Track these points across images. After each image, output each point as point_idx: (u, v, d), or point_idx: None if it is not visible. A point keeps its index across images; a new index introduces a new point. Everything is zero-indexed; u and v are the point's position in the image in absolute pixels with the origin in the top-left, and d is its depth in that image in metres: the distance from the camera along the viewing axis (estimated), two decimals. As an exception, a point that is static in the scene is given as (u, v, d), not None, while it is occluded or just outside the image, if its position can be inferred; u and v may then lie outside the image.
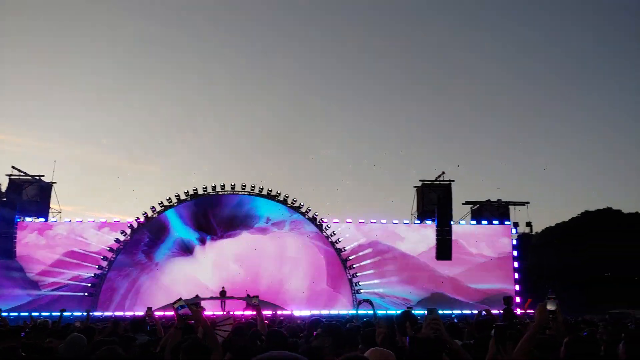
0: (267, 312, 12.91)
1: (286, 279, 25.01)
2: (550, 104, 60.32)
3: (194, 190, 24.94)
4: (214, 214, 25.47)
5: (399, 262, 26.07)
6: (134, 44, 55.24)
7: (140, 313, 18.90)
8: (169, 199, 24.67)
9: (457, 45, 60.04)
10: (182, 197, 24.82)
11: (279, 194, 25.49)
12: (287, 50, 59.64)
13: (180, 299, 4.35)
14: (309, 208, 25.61)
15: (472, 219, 27.31)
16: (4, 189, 26.79)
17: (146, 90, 55.98)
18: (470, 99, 58.98)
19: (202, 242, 25.18)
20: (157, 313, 15.25)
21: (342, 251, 25.24)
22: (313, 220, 25.64)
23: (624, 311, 24.88)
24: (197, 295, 22.82)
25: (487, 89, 59.76)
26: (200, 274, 24.69)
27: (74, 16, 52.46)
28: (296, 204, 25.56)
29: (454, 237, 25.33)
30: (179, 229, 25.12)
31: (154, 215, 24.66)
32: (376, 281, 25.63)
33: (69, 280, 24.30)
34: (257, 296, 7.14)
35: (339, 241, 25.27)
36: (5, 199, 25.13)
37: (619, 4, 59.41)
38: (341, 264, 25.33)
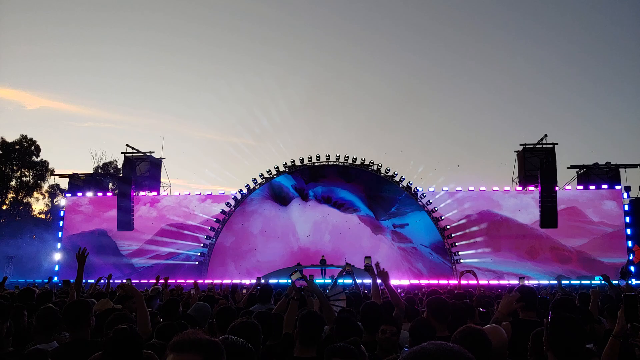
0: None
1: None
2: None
3: (291, 162, 25.66)
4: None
5: (513, 231, 24.80)
6: (242, 26, 56.75)
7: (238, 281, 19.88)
8: (269, 170, 25.62)
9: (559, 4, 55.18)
10: (281, 169, 25.67)
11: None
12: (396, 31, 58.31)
13: (297, 271, 4.31)
14: (403, 177, 25.49)
15: (579, 184, 25.78)
16: (119, 166, 29.17)
17: (245, 69, 57.64)
18: (572, 53, 53.47)
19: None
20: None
21: (440, 220, 24.93)
22: (407, 189, 25.51)
23: None
24: (298, 263, 23.82)
25: (593, 41, 54.34)
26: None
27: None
28: (396, 177, 25.49)
29: (570, 204, 24.36)
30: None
31: (256, 187, 25.75)
32: (485, 250, 24.64)
33: (178, 249, 26.19)
34: (371, 256, 6.60)
35: (436, 210, 24.99)
36: (122, 175, 27.44)
37: None
38: (439, 233, 25.03)
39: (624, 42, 52.78)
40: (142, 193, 27.22)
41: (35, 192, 33.22)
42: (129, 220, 25.86)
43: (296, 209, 25.81)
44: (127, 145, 26.06)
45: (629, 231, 24.74)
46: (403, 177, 25.56)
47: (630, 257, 23.46)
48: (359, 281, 7.56)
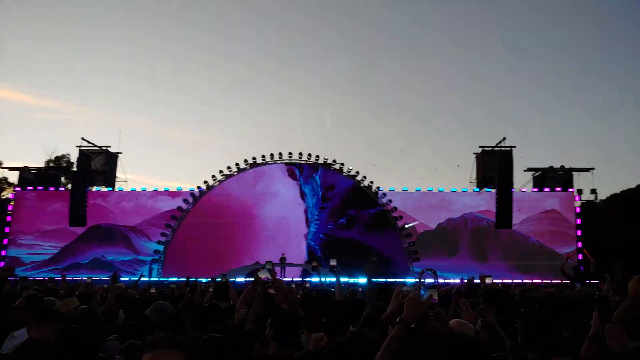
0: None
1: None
2: (613, 64, 55.87)
3: (252, 158, 25.37)
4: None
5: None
6: (203, 24, 55.44)
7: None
8: (229, 167, 25.23)
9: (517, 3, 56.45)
10: (242, 165, 25.30)
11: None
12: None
13: (264, 268, 4.19)
14: (365, 176, 25.54)
15: (534, 186, 26.46)
16: (72, 160, 28.08)
17: (207, 62, 56.31)
18: (534, 61, 54.64)
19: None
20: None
21: (399, 219, 24.99)
22: (368, 189, 25.54)
23: None
24: (256, 262, 23.45)
25: (550, 49, 55.79)
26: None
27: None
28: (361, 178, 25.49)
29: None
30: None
31: (215, 184, 25.30)
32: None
33: (131, 246, 25.40)
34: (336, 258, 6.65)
35: (395, 209, 25.08)
36: (75, 170, 26.38)
37: None
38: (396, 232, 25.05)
39: (581, 46, 54.80)
40: (95, 188, 26.27)
41: (-19, 186, 31.66)
42: (82, 216, 24.87)
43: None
44: (82, 138, 25.04)
45: (579, 232, 25.64)
46: (365, 177, 25.62)
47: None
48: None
